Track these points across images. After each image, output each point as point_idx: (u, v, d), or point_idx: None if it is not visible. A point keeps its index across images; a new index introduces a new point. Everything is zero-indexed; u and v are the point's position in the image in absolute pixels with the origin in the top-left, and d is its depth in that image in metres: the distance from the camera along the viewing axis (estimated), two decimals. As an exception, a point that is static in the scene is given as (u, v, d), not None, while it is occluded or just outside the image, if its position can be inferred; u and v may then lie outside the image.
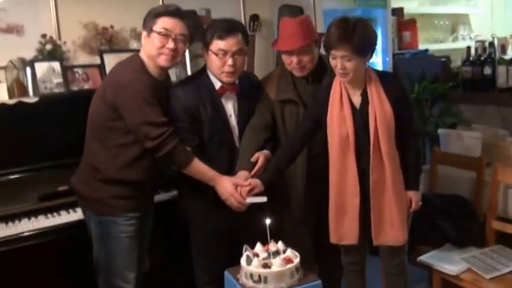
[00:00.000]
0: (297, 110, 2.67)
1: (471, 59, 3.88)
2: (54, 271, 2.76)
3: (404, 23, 4.84)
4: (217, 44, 2.48)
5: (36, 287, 2.72)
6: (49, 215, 2.77)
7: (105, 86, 2.48)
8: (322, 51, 2.58)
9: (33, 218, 2.73)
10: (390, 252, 2.60)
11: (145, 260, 2.71)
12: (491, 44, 3.89)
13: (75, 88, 3.20)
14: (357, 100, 2.45)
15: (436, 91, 3.99)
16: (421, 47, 5.00)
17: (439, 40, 5.52)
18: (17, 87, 3.05)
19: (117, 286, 2.53)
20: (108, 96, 2.40)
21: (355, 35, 2.30)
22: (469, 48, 3.96)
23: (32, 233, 2.65)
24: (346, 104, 2.43)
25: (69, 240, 2.69)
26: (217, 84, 2.58)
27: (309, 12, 3.80)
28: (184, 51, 2.53)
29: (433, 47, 5.24)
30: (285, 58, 2.62)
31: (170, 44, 2.41)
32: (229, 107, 2.62)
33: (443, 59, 4.34)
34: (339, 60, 2.34)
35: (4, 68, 3.09)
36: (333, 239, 2.56)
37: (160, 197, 2.95)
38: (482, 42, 3.99)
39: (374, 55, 4.28)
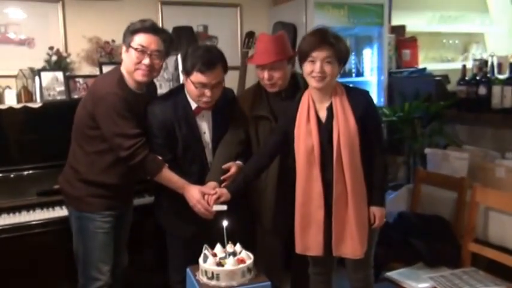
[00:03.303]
0: (270, 126, 2.81)
1: (466, 78, 3.87)
2: (48, 256, 3.06)
3: (405, 41, 4.88)
4: (198, 77, 2.59)
5: (31, 269, 3.02)
6: (45, 209, 3.10)
7: (87, 96, 2.68)
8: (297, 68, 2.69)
9: (31, 211, 3.08)
10: (354, 265, 2.66)
11: (123, 255, 2.93)
12: (487, 63, 3.90)
13: (76, 96, 3.52)
14: (323, 114, 2.54)
15: (429, 110, 3.98)
16: (429, 66, 5.02)
17: (446, 59, 5.56)
18: (25, 94, 3.46)
19: (92, 276, 2.72)
20: (88, 106, 2.60)
21: (336, 39, 2.46)
22: (464, 67, 3.95)
23: (30, 223, 2.99)
24: (312, 117, 2.53)
25: (61, 231, 2.95)
26: (194, 105, 2.72)
27: (302, 29, 3.98)
28: (161, 66, 2.68)
29: (440, 66, 5.28)
30: (258, 73, 2.78)
31: (146, 60, 2.56)
32: (204, 125, 2.78)
33: (438, 78, 4.35)
34: (318, 64, 2.42)
35: (15, 76, 3.50)
36: (298, 249, 2.62)
37: (145, 200, 3.22)
38: (479, 61, 3.94)
39: (369, 73, 4.52)
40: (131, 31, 2.60)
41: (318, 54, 2.43)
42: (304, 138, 2.54)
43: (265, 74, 2.74)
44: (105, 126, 2.56)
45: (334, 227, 2.54)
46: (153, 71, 2.64)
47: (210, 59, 2.61)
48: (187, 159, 2.75)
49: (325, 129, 2.53)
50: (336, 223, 2.53)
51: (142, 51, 2.57)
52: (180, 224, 2.81)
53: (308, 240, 2.60)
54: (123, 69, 2.66)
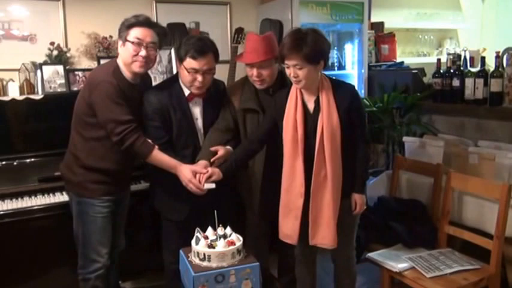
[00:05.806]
0: (258, 118, 2.77)
1: (441, 71, 3.87)
2: (48, 239, 3.02)
3: (384, 37, 4.84)
4: (190, 63, 2.58)
5: (33, 251, 2.99)
6: (46, 195, 3.06)
7: (85, 86, 2.65)
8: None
9: (33, 196, 3.03)
10: (338, 247, 2.58)
11: (120, 239, 2.90)
12: (460, 57, 3.88)
13: (75, 88, 3.45)
14: (312, 106, 2.51)
15: (407, 101, 3.97)
16: (406, 60, 5.01)
17: (422, 54, 5.56)
18: (27, 86, 3.42)
19: (91, 258, 2.68)
20: (85, 95, 2.56)
21: (305, 44, 2.36)
22: (439, 60, 3.97)
23: (32, 208, 2.95)
24: (299, 109, 2.50)
25: (61, 216, 2.91)
26: (187, 92, 2.70)
27: (288, 26, 3.94)
28: (156, 57, 2.65)
29: (417, 60, 5.27)
30: (247, 70, 2.74)
31: (143, 52, 2.54)
32: (197, 111, 2.75)
33: (414, 71, 4.31)
34: (291, 69, 2.41)
35: (18, 70, 3.46)
36: (280, 235, 2.61)
37: (141, 186, 3.17)
38: (452, 55, 3.93)
39: (351, 67, 4.48)
40: (126, 26, 2.58)
41: (288, 62, 2.42)
42: (291, 128, 2.51)
43: (254, 72, 2.71)
44: (100, 112, 2.53)
45: (311, 215, 2.51)
46: (149, 62, 2.62)
47: (202, 46, 2.61)
48: (181, 143, 2.72)
49: (312, 121, 2.49)
50: (313, 211, 2.50)
51: (139, 43, 2.55)
52: (173, 207, 2.78)
53: (287, 228, 2.58)
54: (120, 61, 2.63)
